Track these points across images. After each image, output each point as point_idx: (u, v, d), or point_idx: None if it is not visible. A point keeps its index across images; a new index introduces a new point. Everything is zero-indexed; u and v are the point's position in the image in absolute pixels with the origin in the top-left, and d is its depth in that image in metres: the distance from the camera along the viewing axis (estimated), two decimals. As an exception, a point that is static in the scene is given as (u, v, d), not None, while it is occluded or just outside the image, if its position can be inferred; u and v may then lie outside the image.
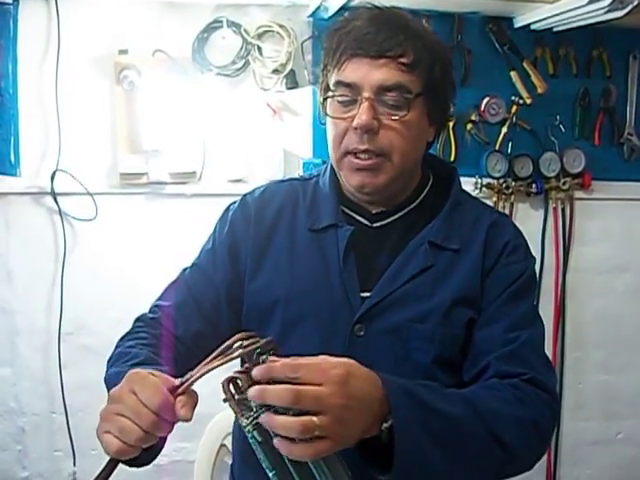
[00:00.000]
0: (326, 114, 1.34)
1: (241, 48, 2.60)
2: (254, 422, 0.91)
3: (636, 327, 3.05)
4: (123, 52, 2.53)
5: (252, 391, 0.90)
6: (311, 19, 2.63)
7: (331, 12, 2.49)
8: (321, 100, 1.36)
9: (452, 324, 1.29)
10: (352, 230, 1.34)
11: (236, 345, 0.95)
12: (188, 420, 0.95)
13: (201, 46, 2.59)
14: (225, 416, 2.16)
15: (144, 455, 1.00)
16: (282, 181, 1.51)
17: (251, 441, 0.92)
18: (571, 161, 2.87)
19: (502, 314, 1.30)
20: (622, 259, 3.01)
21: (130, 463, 1.03)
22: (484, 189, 2.82)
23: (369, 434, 0.99)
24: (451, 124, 2.75)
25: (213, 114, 2.60)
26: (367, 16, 1.30)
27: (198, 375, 0.95)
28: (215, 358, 0.95)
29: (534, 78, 2.78)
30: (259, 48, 2.61)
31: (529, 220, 2.92)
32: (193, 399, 0.97)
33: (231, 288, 1.38)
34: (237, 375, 0.93)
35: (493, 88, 2.79)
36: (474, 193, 2.78)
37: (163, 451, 1.06)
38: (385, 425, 1.00)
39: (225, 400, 0.93)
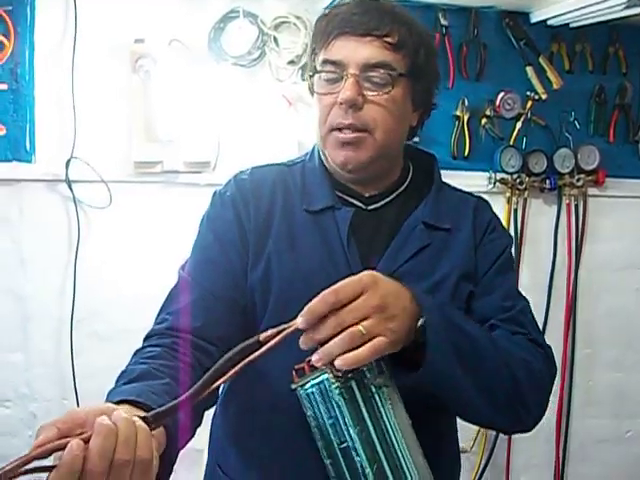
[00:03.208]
0: (312, 93, 1.37)
1: (257, 39, 2.60)
2: (343, 381, 0.99)
3: (647, 325, 3.04)
4: (139, 41, 2.53)
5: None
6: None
7: (348, 4, 2.49)
8: (308, 79, 1.39)
9: (458, 299, 1.34)
10: (354, 211, 1.36)
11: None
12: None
13: (217, 36, 2.59)
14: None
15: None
16: (267, 165, 1.49)
17: (337, 398, 0.99)
18: (585, 157, 2.86)
19: (495, 286, 1.38)
20: (635, 257, 3.01)
21: None
22: (498, 184, 2.82)
23: (410, 335, 1.06)
24: (466, 118, 2.76)
25: (228, 104, 2.60)
26: (355, 1, 1.36)
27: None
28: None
29: (550, 74, 2.78)
30: (275, 39, 2.61)
31: (542, 216, 2.93)
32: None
33: (247, 269, 1.34)
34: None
35: (508, 83, 2.79)
36: (487, 188, 2.79)
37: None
38: (420, 322, 1.07)
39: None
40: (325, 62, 1.33)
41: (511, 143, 2.83)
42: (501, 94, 2.77)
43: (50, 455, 0.81)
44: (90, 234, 2.61)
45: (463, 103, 2.77)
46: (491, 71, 2.79)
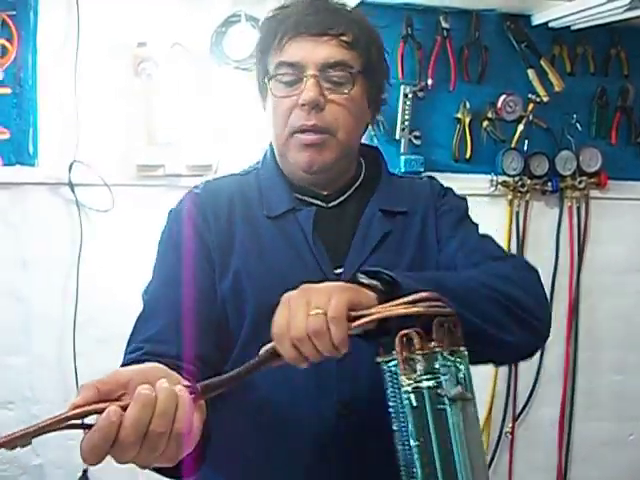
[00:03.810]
0: (264, 97, 1.38)
1: (259, 42, 2.61)
2: (415, 385, 0.91)
3: (650, 328, 3.04)
4: (142, 44, 2.54)
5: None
6: (329, 14, 2.63)
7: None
8: (264, 81, 1.37)
9: None
10: (315, 210, 1.36)
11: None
12: None
13: (219, 40, 2.60)
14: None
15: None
16: (220, 177, 1.49)
17: (405, 403, 0.91)
18: (587, 160, 2.86)
19: (451, 238, 1.38)
20: (637, 259, 3.00)
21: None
22: (499, 187, 2.82)
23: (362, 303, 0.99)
24: (467, 121, 2.76)
25: (230, 107, 2.61)
26: (304, 2, 1.35)
27: (379, 316, 0.94)
28: (396, 305, 0.94)
29: (551, 76, 2.78)
30: (277, 42, 2.62)
31: (544, 218, 2.93)
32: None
33: (214, 283, 1.31)
34: (412, 333, 0.92)
35: (510, 85, 2.80)
36: (489, 190, 2.80)
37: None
38: (362, 278, 1.03)
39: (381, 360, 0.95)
40: (281, 64, 1.32)
41: (513, 146, 2.83)
42: (503, 96, 2.77)
43: (86, 417, 0.81)
44: (93, 237, 2.61)
45: (464, 106, 2.77)
46: (492, 74, 2.80)
